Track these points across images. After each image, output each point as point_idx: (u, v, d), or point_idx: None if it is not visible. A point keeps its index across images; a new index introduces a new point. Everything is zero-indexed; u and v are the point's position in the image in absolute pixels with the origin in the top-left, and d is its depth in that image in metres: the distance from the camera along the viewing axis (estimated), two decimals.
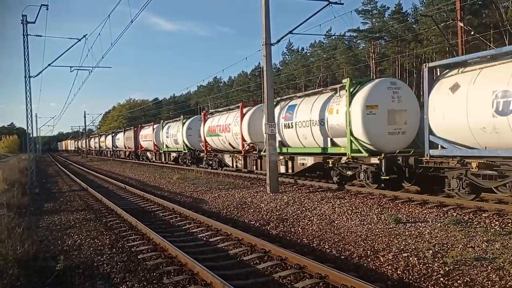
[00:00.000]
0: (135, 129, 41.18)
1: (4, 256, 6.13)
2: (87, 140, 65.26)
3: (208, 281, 5.26)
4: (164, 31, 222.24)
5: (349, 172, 13.17)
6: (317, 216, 9.27)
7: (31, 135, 22.70)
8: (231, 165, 21.44)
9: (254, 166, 18.68)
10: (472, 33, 24.77)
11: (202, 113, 25.10)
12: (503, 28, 36.58)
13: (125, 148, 44.91)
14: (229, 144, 21.10)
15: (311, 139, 14.45)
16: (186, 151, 27.64)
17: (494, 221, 8.08)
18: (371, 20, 60.76)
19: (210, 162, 24.29)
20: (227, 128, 20.74)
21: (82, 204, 13.19)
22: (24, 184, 18.32)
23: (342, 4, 13.39)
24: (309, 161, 14.76)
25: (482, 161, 9.14)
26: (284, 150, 16.11)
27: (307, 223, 8.68)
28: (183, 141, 27.61)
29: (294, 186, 14.52)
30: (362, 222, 8.40)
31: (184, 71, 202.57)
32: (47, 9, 17.75)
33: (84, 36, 19.93)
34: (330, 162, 13.39)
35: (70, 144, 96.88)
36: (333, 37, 62.00)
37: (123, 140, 45.42)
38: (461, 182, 9.90)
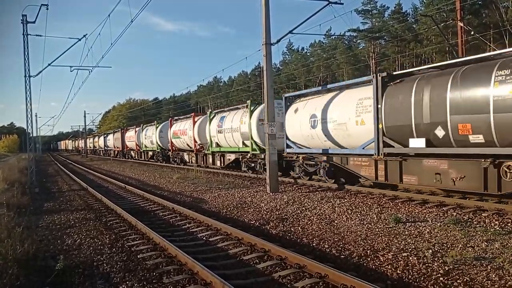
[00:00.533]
0: (122, 131, 47.15)
1: (4, 256, 6.12)
2: (85, 140, 66.29)
3: (208, 280, 5.26)
4: (164, 31, 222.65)
5: (252, 164, 19.04)
6: (317, 215, 9.27)
7: (31, 135, 22.72)
8: (188, 161, 27.87)
9: (203, 161, 25.32)
10: (472, 33, 24.77)
11: (169, 119, 31.78)
12: (503, 28, 36.58)
13: (114, 147, 50.99)
14: (187, 144, 27.29)
15: (232, 141, 20.50)
16: (159, 150, 33.81)
17: (493, 220, 8.08)
18: (371, 20, 60.82)
19: (175, 159, 30.25)
20: (185, 132, 26.95)
21: (82, 204, 13.18)
22: (24, 184, 18.33)
23: (342, 4, 13.39)
24: (232, 157, 21.13)
25: (305, 155, 14.83)
26: (218, 149, 22.46)
27: (307, 223, 8.68)
28: (157, 142, 33.57)
29: (294, 186, 14.53)
30: (362, 222, 8.40)
31: (184, 71, 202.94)
32: (47, 9, 17.86)
33: (84, 36, 20.03)
34: (241, 157, 19.81)
35: (68, 144, 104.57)
36: (333, 37, 62.10)
37: (112, 140, 51.61)
38: (300, 168, 15.27)
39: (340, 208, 9.83)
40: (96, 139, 64.64)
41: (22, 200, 13.24)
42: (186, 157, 28.15)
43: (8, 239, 6.86)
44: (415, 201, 10.32)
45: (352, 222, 8.47)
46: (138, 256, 6.69)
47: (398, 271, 5.52)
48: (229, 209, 10.86)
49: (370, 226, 8.05)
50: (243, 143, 19.31)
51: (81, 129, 76.07)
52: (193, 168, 23.07)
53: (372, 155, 11.27)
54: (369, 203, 10.41)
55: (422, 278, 5.23)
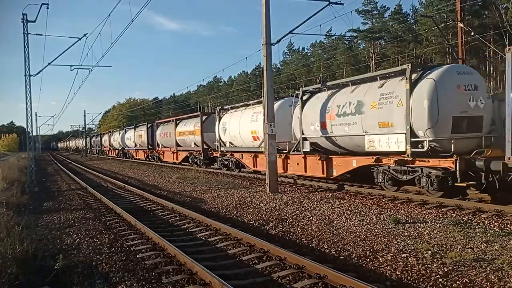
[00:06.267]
0: (100, 135, 64.15)
1: (3, 255, 6.11)
2: (86, 140, 67.27)
3: (207, 280, 5.25)
4: (167, 31, 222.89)
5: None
6: (316, 216, 9.27)
7: (30, 134, 22.70)
8: (135, 156, 40.74)
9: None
10: (472, 34, 24.76)
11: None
12: (503, 29, 36.57)
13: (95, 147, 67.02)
14: (139, 145, 39.06)
15: (172, 142, 29.19)
16: (120, 149, 48.38)
17: (493, 222, 8.08)
18: (371, 20, 60.85)
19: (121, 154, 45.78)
20: (140, 136, 38.17)
21: (81, 203, 13.17)
22: (23, 183, 18.30)
23: (343, 4, 13.39)
24: (184, 154, 27.52)
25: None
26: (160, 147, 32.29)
27: (306, 223, 8.68)
28: (119, 143, 47.51)
29: (294, 186, 14.52)
30: (361, 223, 8.40)
31: (185, 70, 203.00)
32: (48, 8, 17.78)
33: (85, 35, 19.97)
34: (189, 153, 26.67)
35: (63, 143, 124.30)
36: (334, 37, 62.10)
37: (92, 142, 67.85)
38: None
39: (340, 209, 9.83)
40: (81, 140, 75.43)
41: (22, 199, 13.23)
42: (134, 154, 40.67)
43: (7, 238, 6.84)
44: (414, 202, 10.32)
45: (352, 222, 8.47)
46: (137, 256, 6.68)
47: (397, 272, 5.51)
48: (228, 209, 10.85)
49: (369, 226, 8.05)
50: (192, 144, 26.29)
51: (81, 129, 76.70)
52: (193, 168, 23.08)
53: None
54: (369, 204, 10.41)
55: (421, 279, 5.23)
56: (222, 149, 21.43)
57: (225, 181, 17.01)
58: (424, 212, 9.24)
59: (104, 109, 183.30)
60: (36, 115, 56.93)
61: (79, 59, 29.75)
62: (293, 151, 15.42)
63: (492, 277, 5.14)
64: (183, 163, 27.91)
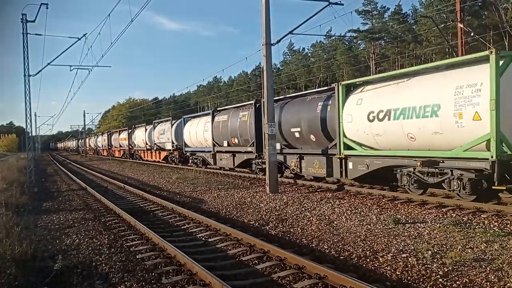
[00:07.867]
0: (88, 137, 74.69)
1: (2, 256, 6.09)
2: (85, 140, 68.10)
3: (207, 281, 5.24)
4: (168, 31, 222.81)
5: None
6: (316, 216, 9.26)
7: (30, 134, 22.70)
8: (102, 154, 56.98)
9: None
10: (472, 34, 24.79)
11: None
12: (502, 29, 36.61)
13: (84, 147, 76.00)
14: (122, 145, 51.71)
15: (117, 144, 48.00)
16: (95, 148, 65.18)
17: (493, 222, 8.08)
18: (371, 20, 60.91)
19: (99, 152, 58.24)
20: (104, 140, 56.19)
21: (80, 204, 13.16)
22: (22, 183, 18.28)
23: (343, 4, 13.38)
24: (122, 152, 46.70)
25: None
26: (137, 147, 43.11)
27: (306, 223, 8.67)
28: (94, 144, 61.50)
29: (294, 186, 14.52)
30: (361, 223, 8.40)
31: (185, 70, 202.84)
32: (47, 8, 17.81)
33: (84, 35, 20.01)
34: (123, 151, 46.21)
35: (62, 144, 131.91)
36: (334, 38, 62.17)
37: (79, 143, 78.25)
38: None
39: (340, 209, 9.82)
40: (75, 141, 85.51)
41: (21, 200, 13.21)
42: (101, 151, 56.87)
43: (7, 239, 6.83)
44: (414, 202, 10.32)
45: (352, 223, 8.47)
46: (137, 257, 6.67)
47: (397, 272, 5.51)
48: (228, 209, 10.84)
49: (369, 227, 8.05)
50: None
51: (80, 129, 77.13)
52: (193, 168, 23.13)
53: None
54: (369, 204, 10.41)
55: (421, 279, 5.22)
56: (135, 148, 40.88)
57: (225, 182, 17.01)
58: (424, 212, 9.23)
59: (104, 109, 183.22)
60: (35, 115, 57.14)
61: (79, 59, 30.02)
62: (153, 149, 33.94)
63: (492, 277, 5.13)
64: (122, 157, 45.64)
